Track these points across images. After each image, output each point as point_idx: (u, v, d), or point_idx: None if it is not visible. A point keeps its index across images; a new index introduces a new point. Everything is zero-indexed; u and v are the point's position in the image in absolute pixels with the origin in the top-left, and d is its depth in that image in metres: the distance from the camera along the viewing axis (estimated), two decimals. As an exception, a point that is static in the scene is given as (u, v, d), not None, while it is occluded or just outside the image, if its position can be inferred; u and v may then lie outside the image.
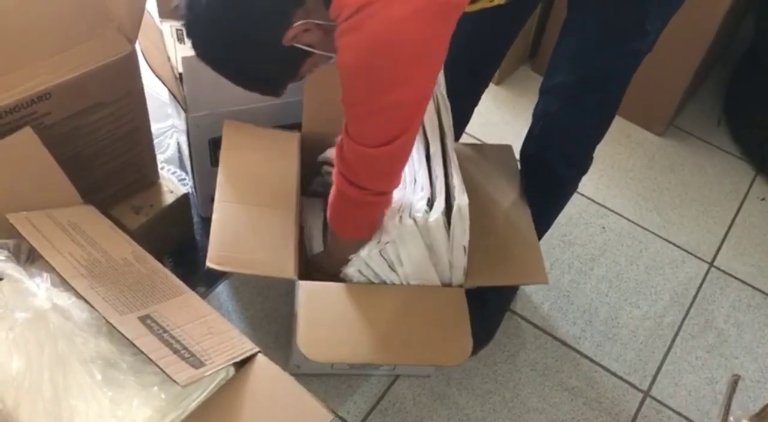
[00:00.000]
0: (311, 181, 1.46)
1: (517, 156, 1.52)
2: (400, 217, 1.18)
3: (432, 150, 1.30)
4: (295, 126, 1.47)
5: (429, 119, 1.34)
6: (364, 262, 1.22)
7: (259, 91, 1.12)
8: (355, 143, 1.06)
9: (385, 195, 1.15)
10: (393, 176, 1.14)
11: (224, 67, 1.07)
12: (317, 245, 1.39)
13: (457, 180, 1.23)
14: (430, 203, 1.21)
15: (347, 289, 1.24)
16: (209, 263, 1.18)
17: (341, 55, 0.98)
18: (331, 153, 1.39)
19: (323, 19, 0.99)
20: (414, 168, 1.27)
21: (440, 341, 1.21)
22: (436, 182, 1.25)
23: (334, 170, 1.14)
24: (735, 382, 1.01)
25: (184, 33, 1.06)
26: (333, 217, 1.22)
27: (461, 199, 1.19)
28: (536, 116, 1.38)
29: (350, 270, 1.24)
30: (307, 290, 1.22)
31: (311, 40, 1.03)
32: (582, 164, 1.42)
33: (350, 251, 1.25)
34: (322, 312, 1.21)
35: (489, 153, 1.55)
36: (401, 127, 1.03)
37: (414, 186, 1.25)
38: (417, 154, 1.29)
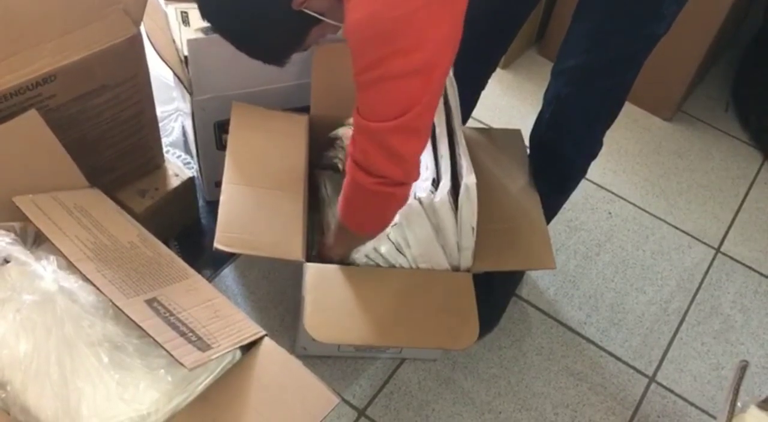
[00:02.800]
0: (322, 155, 1.44)
1: (526, 140, 1.51)
2: None
3: (437, 131, 1.30)
4: (302, 109, 1.46)
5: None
6: (373, 247, 1.22)
7: (262, 58, 1.08)
8: (365, 120, 1.01)
9: (403, 186, 1.08)
10: (409, 160, 1.06)
11: (230, 30, 1.04)
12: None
13: (464, 160, 1.22)
14: (435, 183, 1.20)
15: (355, 272, 1.24)
16: (217, 245, 1.18)
17: (349, 16, 0.95)
18: (341, 131, 1.38)
19: None
20: None
21: (447, 325, 1.21)
22: (441, 161, 1.24)
23: (348, 161, 1.09)
24: (743, 368, 1.01)
25: None
26: (345, 209, 1.17)
27: (469, 178, 1.19)
28: (547, 99, 1.37)
29: (358, 256, 1.24)
30: (314, 272, 1.22)
31: (321, 6, 1.00)
32: (592, 149, 1.41)
33: (354, 246, 1.24)
34: (330, 294, 1.21)
35: (498, 137, 1.54)
36: (412, 98, 0.98)
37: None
38: None
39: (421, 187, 1.19)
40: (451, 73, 1.36)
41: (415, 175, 1.09)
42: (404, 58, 0.95)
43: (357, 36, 0.96)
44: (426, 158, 1.24)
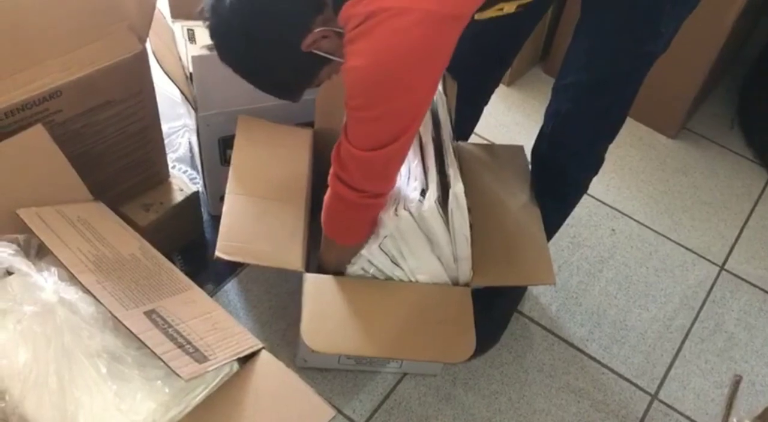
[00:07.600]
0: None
1: (529, 157, 1.52)
2: (395, 209, 1.19)
3: (424, 141, 1.31)
4: (307, 125, 1.48)
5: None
6: (367, 259, 1.23)
7: (277, 95, 1.15)
8: (352, 146, 1.07)
9: (381, 197, 1.16)
10: (389, 178, 1.15)
11: (245, 71, 1.10)
12: None
13: (452, 169, 1.23)
14: (424, 193, 1.21)
15: (353, 283, 1.25)
16: (218, 253, 1.19)
17: (348, 61, 1.00)
18: None
19: (339, 27, 1.01)
20: (408, 160, 1.28)
21: (444, 338, 1.21)
22: (428, 172, 1.26)
23: (330, 173, 1.15)
24: (737, 383, 1.01)
25: (209, 36, 1.08)
26: (327, 220, 1.22)
27: (456, 187, 1.20)
28: (548, 115, 1.39)
29: (353, 269, 1.25)
30: (313, 282, 1.24)
31: (329, 47, 1.05)
32: (593, 165, 1.42)
33: (344, 258, 1.26)
34: (328, 305, 1.22)
35: (500, 153, 1.55)
36: (399, 131, 1.05)
37: (408, 179, 1.25)
38: (411, 147, 1.30)
39: (409, 198, 1.20)
40: (440, 88, 1.38)
41: (393, 185, 1.18)
42: (398, 100, 1.02)
43: (352, 81, 1.02)
44: (414, 169, 1.26)
